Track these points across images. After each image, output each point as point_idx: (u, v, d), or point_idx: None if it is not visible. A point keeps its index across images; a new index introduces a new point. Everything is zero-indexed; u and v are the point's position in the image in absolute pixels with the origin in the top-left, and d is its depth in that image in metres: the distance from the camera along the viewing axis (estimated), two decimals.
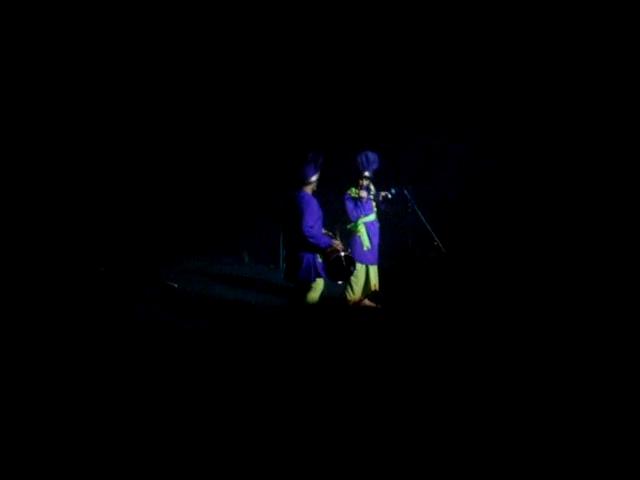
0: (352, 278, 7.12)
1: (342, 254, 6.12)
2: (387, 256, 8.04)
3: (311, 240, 5.94)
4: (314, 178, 6.16)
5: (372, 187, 7.49)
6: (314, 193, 6.24)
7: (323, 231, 6.23)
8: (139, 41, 9.63)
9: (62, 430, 4.15)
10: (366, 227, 7.39)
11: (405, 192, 7.39)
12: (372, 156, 7.29)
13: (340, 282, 6.51)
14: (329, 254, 6.08)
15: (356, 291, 7.44)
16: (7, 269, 8.61)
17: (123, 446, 3.95)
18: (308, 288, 6.17)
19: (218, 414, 4.42)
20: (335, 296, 7.43)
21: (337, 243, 6.16)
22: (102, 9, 9.20)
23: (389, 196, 7.41)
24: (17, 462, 3.81)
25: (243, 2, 9.38)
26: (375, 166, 7.31)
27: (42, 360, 5.56)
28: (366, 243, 7.39)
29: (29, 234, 9.38)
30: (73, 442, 3.99)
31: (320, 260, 6.13)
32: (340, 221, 7.46)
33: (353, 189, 7.35)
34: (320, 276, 6.17)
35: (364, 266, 7.40)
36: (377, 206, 7.50)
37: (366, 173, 7.26)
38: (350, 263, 6.23)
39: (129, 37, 9.57)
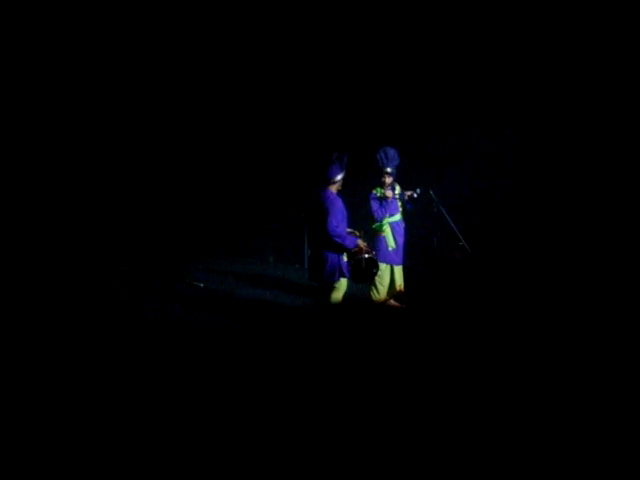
0: (377, 278, 7.09)
1: (365, 256, 6.12)
2: (412, 256, 7.97)
3: (337, 239, 5.93)
4: (339, 177, 6.15)
5: (397, 186, 7.44)
6: (339, 192, 6.23)
7: (348, 230, 6.21)
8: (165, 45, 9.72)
9: (75, 426, 4.20)
10: (391, 227, 7.35)
11: (430, 192, 7.35)
12: (391, 151, 7.22)
13: (364, 283, 6.51)
14: (353, 254, 6.07)
15: (381, 291, 7.41)
16: (36, 268, 8.71)
17: (135, 444, 3.98)
18: (331, 288, 6.16)
19: (233, 413, 4.43)
20: (360, 296, 7.40)
21: (362, 244, 6.14)
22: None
23: (414, 196, 7.36)
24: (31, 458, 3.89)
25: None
26: (396, 162, 7.24)
27: (62, 357, 5.62)
28: (391, 243, 7.35)
29: (62, 233, 9.50)
30: (85, 439, 4.04)
31: (345, 260, 6.11)
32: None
33: (378, 188, 7.31)
34: (344, 276, 6.16)
35: (389, 266, 7.37)
36: (402, 206, 7.46)
37: (388, 169, 7.21)
38: (372, 265, 6.22)
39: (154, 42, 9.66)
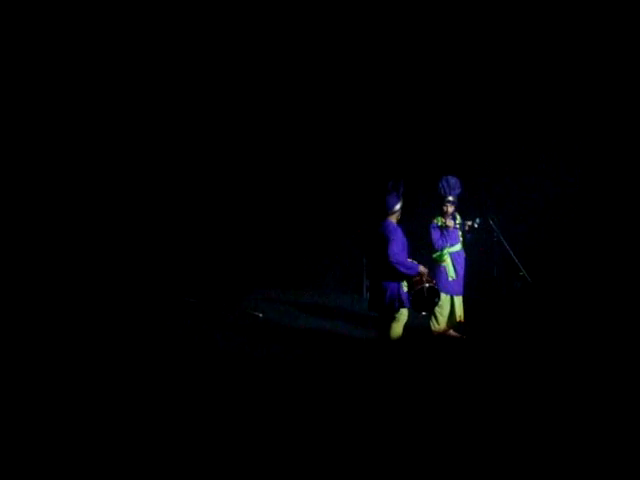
0: (437, 308, 7.02)
1: (426, 285, 6.06)
2: (472, 286, 7.89)
3: (399, 267, 5.89)
4: (397, 207, 6.14)
5: (458, 216, 7.42)
6: (398, 222, 6.22)
7: (409, 259, 6.19)
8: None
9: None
10: (452, 257, 7.32)
11: (491, 222, 7.30)
12: (453, 180, 7.22)
13: (424, 313, 6.47)
14: (415, 284, 6.04)
15: (441, 321, 7.35)
16: (99, 296, 8.97)
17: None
18: (392, 318, 6.11)
19: (288, 445, 4.45)
20: (420, 326, 7.34)
21: (424, 272, 6.11)
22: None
23: (475, 225, 7.31)
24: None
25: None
26: (458, 191, 7.24)
27: (122, 386, 5.78)
28: (451, 273, 7.30)
29: (122, 263, 9.76)
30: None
31: (405, 290, 6.08)
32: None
33: (439, 218, 7.29)
34: (404, 306, 6.12)
35: (449, 296, 7.32)
36: (463, 236, 7.41)
37: (449, 197, 7.21)
38: (434, 295, 6.16)
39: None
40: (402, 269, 5.92)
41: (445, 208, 7.24)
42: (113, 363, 6.44)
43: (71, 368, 6.25)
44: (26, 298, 8.50)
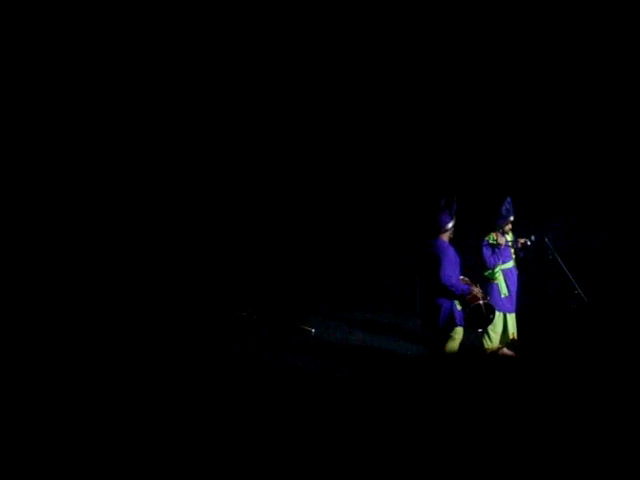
0: (490, 326, 6.96)
1: (482, 302, 6.04)
2: (527, 305, 7.81)
3: (450, 288, 5.91)
4: (450, 225, 6.15)
5: (510, 233, 7.38)
6: (451, 240, 6.23)
7: (461, 278, 6.19)
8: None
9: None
10: (504, 274, 7.26)
11: (545, 239, 7.23)
12: (511, 202, 7.22)
13: (479, 330, 6.44)
14: (468, 301, 6.02)
15: (494, 340, 7.29)
16: (154, 309, 9.18)
17: None
18: (447, 337, 6.11)
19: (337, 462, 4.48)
20: (472, 344, 7.30)
21: (476, 290, 6.09)
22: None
23: (528, 243, 7.25)
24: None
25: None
26: (514, 212, 7.23)
27: (174, 400, 5.86)
28: (504, 291, 7.25)
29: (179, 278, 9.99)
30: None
31: (459, 308, 6.07)
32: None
33: (491, 235, 7.26)
34: (457, 325, 6.11)
35: (502, 314, 7.26)
36: (516, 253, 7.37)
37: (511, 218, 7.22)
38: (490, 311, 6.13)
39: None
40: (453, 290, 5.93)
41: (506, 228, 7.26)
42: (161, 373, 6.58)
43: (120, 375, 6.42)
44: (75, 310, 8.71)
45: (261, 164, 10.61)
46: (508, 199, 7.23)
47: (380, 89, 9.95)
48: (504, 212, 7.21)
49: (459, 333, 6.15)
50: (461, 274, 6.24)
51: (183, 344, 7.85)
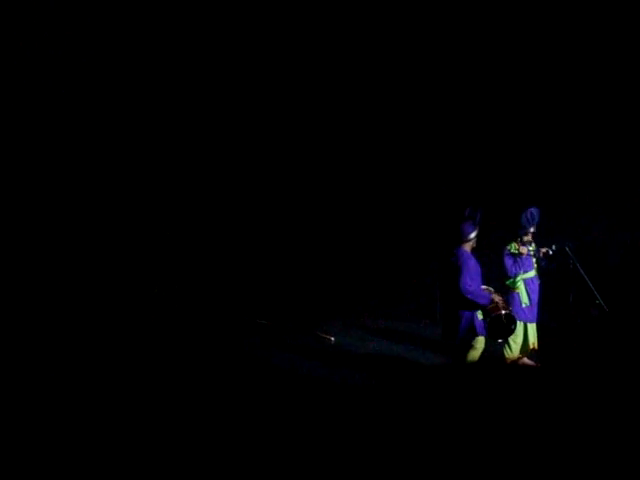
0: (510, 336, 6.96)
1: (503, 312, 6.02)
2: (548, 314, 7.78)
3: (470, 296, 5.88)
4: (473, 235, 6.12)
5: (532, 243, 7.36)
6: (473, 250, 6.21)
7: (483, 287, 6.17)
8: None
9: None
10: (525, 284, 7.24)
11: (567, 249, 7.22)
12: (535, 211, 7.20)
13: (500, 340, 6.42)
14: (489, 311, 6.01)
15: (514, 349, 7.26)
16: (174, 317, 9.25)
17: None
18: (469, 347, 6.09)
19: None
20: (493, 354, 7.27)
21: (498, 299, 6.07)
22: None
23: (550, 252, 7.25)
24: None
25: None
26: (537, 221, 7.21)
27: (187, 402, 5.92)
28: (525, 300, 7.23)
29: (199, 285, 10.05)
30: None
31: (480, 318, 6.06)
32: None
33: (513, 244, 7.25)
34: (478, 334, 6.09)
35: (522, 323, 7.22)
36: (537, 262, 7.35)
37: (531, 229, 7.20)
38: (511, 321, 6.11)
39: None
40: (473, 298, 5.91)
41: (526, 238, 7.22)
42: (182, 379, 6.62)
43: (144, 380, 6.49)
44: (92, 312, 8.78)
45: (286, 172, 10.66)
46: (531, 209, 7.21)
47: (403, 97, 9.97)
48: (524, 222, 7.20)
49: (480, 342, 6.10)
50: (483, 284, 6.22)
51: (202, 350, 7.90)
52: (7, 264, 8.91)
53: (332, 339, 8.63)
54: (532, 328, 7.33)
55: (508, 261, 7.22)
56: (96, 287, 9.37)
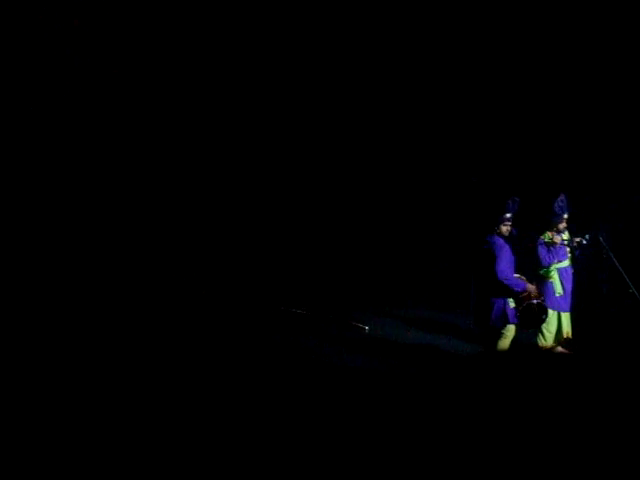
0: (544, 324, 6.96)
1: (534, 301, 6.07)
2: (581, 303, 7.79)
3: (506, 282, 5.95)
4: (507, 223, 6.22)
5: (566, 232, 7.39)
6: (506, 239, 6.28)
7: (516, 276, 6.23)
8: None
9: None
10: (559, 273, 7.28)
11: (600, 238, 7.22)
12: (565, 198, 7.24)
13: (531, 329, 6.46)
14: (522, 299, 6.07)
15: (547, 338, 7.31)
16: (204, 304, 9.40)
17: None
18: (499, 334, 6.17)
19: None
20: (527, 342, 7.32)
21: (531, 288, 6.13)
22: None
23: (583, 242, 7.25)
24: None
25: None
26: (570, 209, 7.25)
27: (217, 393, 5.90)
28: (558, 289, 7.26)
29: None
30: None
31: (512, 306, 6.12)
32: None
33: (547, 234, 7.29)
34: (510, 322, 6.16)
35: (556, 312, 7.27)
36: (571, 252, 7.38)
37: (565, 215, 7.23)
38: (542, 311, 6.16)
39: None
40: (509, 284, 5.98)
41: (561, 225, 7.26)
42: (212, 371, 6.64)
43: (169, 373, 6.55)
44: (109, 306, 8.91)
45: (316, 170, 10.77)
46: (562, 196, 7.24)
47: (436, 90, 10.03)
48: (557, 210, 7.22)
49: (511, 331, 6.19)
50: (516, 273, 6.28)
51: (239, 340, 8.03)
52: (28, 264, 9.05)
53: (366, 328, 8.72)
54: (566, 317, 7.36)
55: (542, 250, 7.25)
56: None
